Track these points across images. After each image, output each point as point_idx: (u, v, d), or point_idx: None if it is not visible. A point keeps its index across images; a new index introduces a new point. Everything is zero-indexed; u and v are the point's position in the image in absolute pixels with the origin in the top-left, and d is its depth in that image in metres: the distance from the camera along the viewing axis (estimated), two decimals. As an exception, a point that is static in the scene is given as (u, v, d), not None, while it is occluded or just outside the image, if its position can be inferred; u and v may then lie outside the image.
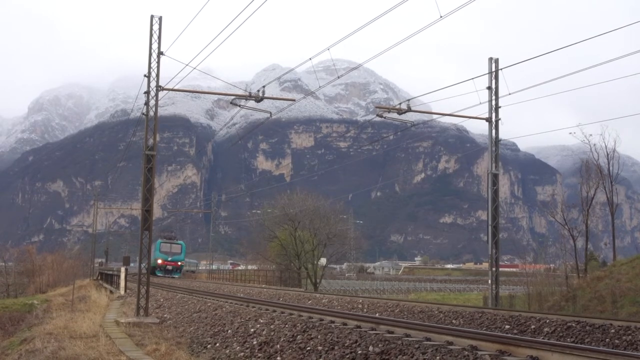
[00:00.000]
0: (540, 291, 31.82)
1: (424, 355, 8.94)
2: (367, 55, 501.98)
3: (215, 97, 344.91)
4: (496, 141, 24.12)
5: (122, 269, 35.37)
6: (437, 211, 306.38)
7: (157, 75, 20.22)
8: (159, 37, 20.01)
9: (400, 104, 24.60)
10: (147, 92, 20.23)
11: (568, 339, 10.47)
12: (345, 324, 12.49)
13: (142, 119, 20.83)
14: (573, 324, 11.09)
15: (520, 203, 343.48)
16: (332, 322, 12.96)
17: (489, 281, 23.53)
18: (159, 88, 20.32)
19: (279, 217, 58.22)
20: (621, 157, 36.38)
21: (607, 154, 33.51)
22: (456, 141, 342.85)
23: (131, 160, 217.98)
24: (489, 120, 24.15)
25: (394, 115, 24.73)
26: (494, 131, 24.11)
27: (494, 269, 23.22)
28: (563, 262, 39.01)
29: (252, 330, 13.44)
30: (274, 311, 16.13)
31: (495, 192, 23.88)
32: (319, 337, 11.34)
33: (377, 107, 26.31)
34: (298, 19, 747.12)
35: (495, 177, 24.10)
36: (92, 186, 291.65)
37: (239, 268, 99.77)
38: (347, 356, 9.86)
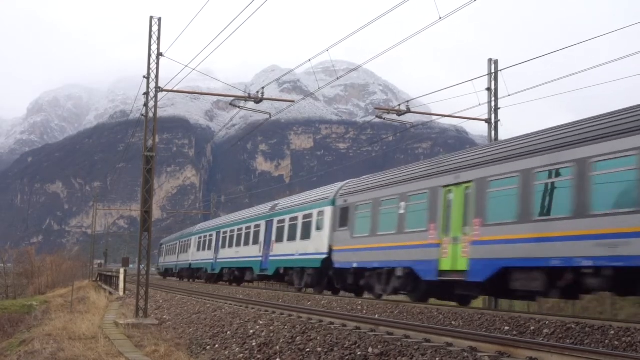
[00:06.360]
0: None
1: (424, 356, 8.93)
2: (366, 57, 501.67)
3: (215, 98, 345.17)
4: (496, 142, 24.11)
5: (122, 270, 35.34)
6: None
7: (157, 76, 20.21)
8: (159, 38, 20.01)
9: (399, 105, 24.65)
10: (147, 94, 20.23)
11: (567, 340, 10.46)
12: (344, 325, 12.48)
13: (142, 120, 20.83)
14: (572, 325, 11.08)
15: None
16: (332, 323, 12.94)
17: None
18: (158, 89, 20.31)
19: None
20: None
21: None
22: (456, 142, 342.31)
23: (130, 162, 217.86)
24: (488, 121, 24.15)
25: (394, 116, 24.78)
26: (493, 132, 24.11)
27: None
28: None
29: (251, 331, 13.42)
30: (274, 312, 16.12)
31: (495, 194, 23.80)
32: (318, 338, 11.33)
33: (376, 109, 26.33)
34: (297, 20, 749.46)
35: (494, 178, 24.04)
36: (92, 187, 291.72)
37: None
38: (347, 357, 9.85)
